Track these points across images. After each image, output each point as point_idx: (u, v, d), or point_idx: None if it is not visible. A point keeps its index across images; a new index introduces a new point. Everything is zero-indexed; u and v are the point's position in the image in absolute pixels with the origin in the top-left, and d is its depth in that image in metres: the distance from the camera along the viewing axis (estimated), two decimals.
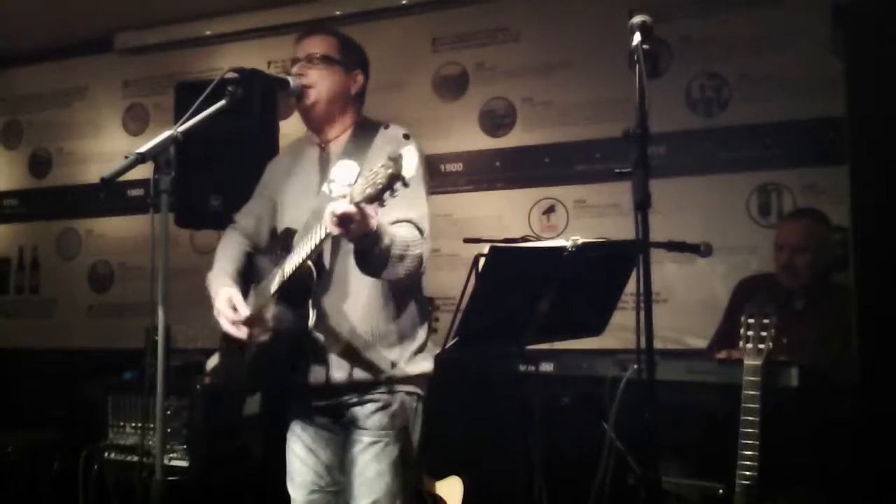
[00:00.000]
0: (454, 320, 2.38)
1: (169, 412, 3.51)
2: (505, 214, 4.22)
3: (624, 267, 2.41)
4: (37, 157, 5.55)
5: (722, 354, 2.80)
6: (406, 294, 2.41)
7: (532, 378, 2.99)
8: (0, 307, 5.57)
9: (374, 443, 2.33)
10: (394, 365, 2.36)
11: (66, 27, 5.09)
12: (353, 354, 2.33)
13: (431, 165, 4.00)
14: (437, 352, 2.51)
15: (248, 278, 2.50)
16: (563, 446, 3.31)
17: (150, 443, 2.89)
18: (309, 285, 2.24)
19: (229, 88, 2.18)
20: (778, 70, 3.81)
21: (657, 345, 1.90)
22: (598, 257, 2.35)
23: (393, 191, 1.82)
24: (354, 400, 2.35)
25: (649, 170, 1.88)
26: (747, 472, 2.49)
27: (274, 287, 2.30)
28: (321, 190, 2.25)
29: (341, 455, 2.41)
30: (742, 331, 2.60)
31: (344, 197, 1.92)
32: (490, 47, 4.43)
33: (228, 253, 2.54)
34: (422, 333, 2.45)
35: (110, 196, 5.15)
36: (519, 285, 2.33)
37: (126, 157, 1.96)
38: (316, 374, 2.34)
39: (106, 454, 3.74)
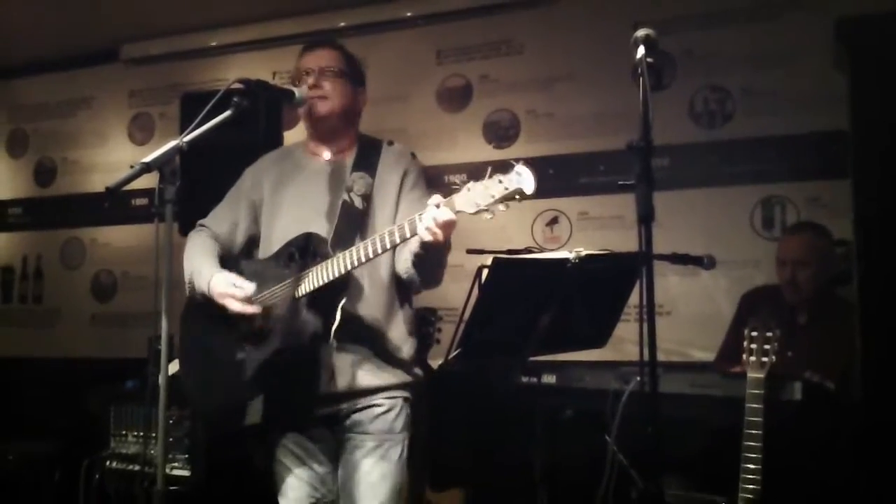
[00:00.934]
0: (457, 331, 2.38)
1: (171, 422, 3.50)
2: (508, 226, 4.21)
3: (627, 279, 2.41)
4: (42, 167, 5.58)
5: (736, 368, 2.79)
6: (405, 302, 2.46)
7: (534, 390, 2.98)
8: (3, 316, 5.58)
9: (378, 446, 2.35)
10: (399, 370, 2.40)
11: (73, 38, 5.12)
12: (360, 360, 2.35)
13: (435, 177, 4.01)
14: (440, 363, 2.51)
15: None
16: (566, 459, 3.30)
17: (152, 452, 2.88)
18: (339, 290, 2.25)
19: (234, 99, 2.19)
20: (781, 84, 3.82)
21: (660, 357, 1.89)
22: (602, 269, 2.35)
23: (507, 204, 1.94)
24: (360, 405, 2.36)
25: (653, 182, 1.88)
26: (750, 486, 2.48)
27: (306, 289, 2.26)
28: (341, 199, 2.35)
29: (334, 463, 2.41)
30: (745, 344, 2.59)
31: (437, 206, 2.00)
32: (494, 59, 4.45)
33: (206, 250, 2.48)
34: (413, 341, 2.49)
35: (115, 205, 5.16)
36: (522, 297, 2.33)
37: (131, 167, 1.97)
38: (323, 381, 2.33)
39: (108, 463, 3.74)
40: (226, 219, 2.56)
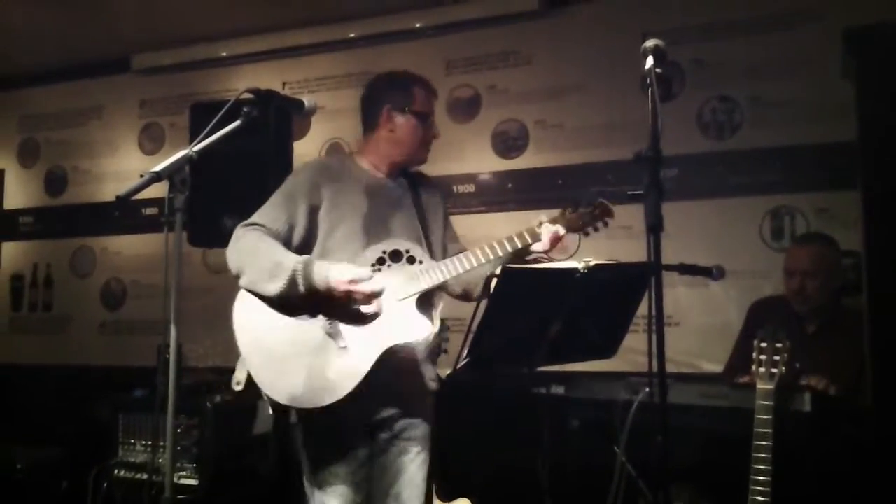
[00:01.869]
0: (465, 341, 2.38)
1: (179, 430, 3.51)
2: None
3: (636, 289, 2.40)
4: (53, 176, 5.61)
5: (745, 379, 2.78)
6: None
7: (542, 400, 2.98)
8: (13, 324, 5.61)
9: (420, 452, 2.51)
10: (433, 378, 2.55)
11: (84, 48, 5.17)
12: (414, 366, 2.49)
13: (443, 187, 4.01)
14: (448, 372, 2.52)
15: None
16: (573, 470, 3.28)
17: (160, 461, 2.89)
18: (436, 293, 2.44)
19: (244, 109, 2.20)
20: (790, 94, 3.82)
21: (669, 368, 1.89)
22: (610, 280, 2.34)
23: (595, 229, 2.45)
24: (411, 411, 2.49)
25: (662, 192, 1.88)
26: (760, 498, 2.47)
27: (417, 290, 2.38)
28: (405, 213, 2.54)
29: (368, 471, 2.47)
30: (755, 355, 2.58)
31: (552, 223, 2.38)
32: (502, 70, 4.46)
33: (278, 245, 2.37)
34: None
35: (125, 214, 5.20)
36: (530, 307, 2.32)
37: (141, 176, 1.98)
38: (414, 382, 2.49)
39: (116, 472, 3.74)
40: (280, 219, 2.45)
